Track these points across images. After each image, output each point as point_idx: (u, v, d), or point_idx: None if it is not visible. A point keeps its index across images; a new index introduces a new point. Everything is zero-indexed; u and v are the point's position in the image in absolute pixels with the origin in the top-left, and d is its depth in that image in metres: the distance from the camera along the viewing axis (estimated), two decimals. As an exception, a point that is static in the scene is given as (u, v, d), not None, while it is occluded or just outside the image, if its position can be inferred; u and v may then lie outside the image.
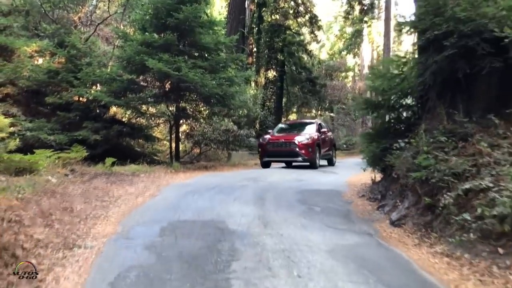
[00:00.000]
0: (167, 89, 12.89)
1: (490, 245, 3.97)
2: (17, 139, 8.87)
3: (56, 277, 3.34)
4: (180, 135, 13.84)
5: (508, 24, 4.98)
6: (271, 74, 25.39)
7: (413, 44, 7.01)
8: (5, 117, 10.05)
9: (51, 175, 7.35)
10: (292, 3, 24.56)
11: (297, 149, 12.66)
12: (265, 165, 13.60)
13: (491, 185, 4.32)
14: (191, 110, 14.07)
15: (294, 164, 14.00)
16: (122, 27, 20.12)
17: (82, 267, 3.58)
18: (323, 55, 39.54)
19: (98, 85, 14.70)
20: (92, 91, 12.96)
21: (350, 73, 40.27)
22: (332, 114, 31.89)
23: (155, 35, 12.40)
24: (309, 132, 13.69)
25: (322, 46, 39.81)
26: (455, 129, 5.39)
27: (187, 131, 16.19)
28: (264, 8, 23.95)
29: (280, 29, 23.72)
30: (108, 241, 4.31)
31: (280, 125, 16.13)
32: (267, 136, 13.86)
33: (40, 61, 16.85)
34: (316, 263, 3.77)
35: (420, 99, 6.64)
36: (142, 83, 13.60)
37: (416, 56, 6.54)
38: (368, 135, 7.40)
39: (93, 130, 12.13)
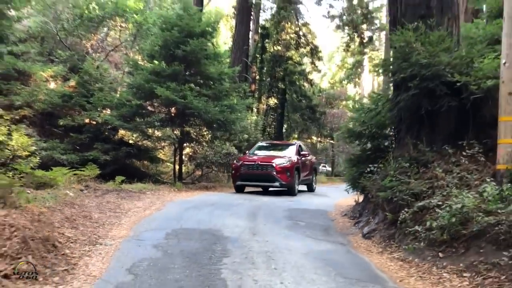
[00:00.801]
0: (173, 114, 14.00)
1: (434, 250, 4.93)
2: (38, 157, 9.95)
3: (85, 263, 4.31)
4: (183, 157, 14.87)
5: (460, 71, 6.05)
6: (272, 101, 26.60)
7: (389, 83, 8.06)
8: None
9: (69, 189, 8.36)
10: (294, 35, 25.94)
11: (275, 173, 11.72)
12: (238, 189, 12.53)
13: (440, 203, 5.29)
14: (195, 134, 15.14)
15: (270, 189, 13.07)
16: (131, 54, 21.45)
17: (104, 258, 4.55)
18: (325, 84, 40.88)
19: (108, 109, 15.84)
20: (104, 115, 14.06)
21: (351, 102, 41.51)
22: (332, 141, 32.92)
23: (164, 65, 13.56)
24: (288, 155, 12.84)
25: (324, 75, 41.21)
26: (418, 157, 6.40)
27: (190, 153, 17.22)
28: (267, 40, 25.35)
29: (282, 59, 25.03)
30: (123, 241, 5.28)
31: (258, 145, 14.82)
32: (241, 159, 12.89)
33: (53, 85, 18.10)
34: (291, 261, 4.72)
35: (395, 130, 7.68)
36: (149, 108, 14.72)
37: (390, 93, 7.60)
38: (350, 161, 8.44)
39: (103, 151, 13.17)
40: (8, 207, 5.52)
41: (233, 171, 12.70)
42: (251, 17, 26.76)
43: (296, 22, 26.02)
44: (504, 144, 5.28)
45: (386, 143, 8.19)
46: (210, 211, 7.83)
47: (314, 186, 14.96)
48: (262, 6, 27.96)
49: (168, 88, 12.31)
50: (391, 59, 6.81)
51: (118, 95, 15.87)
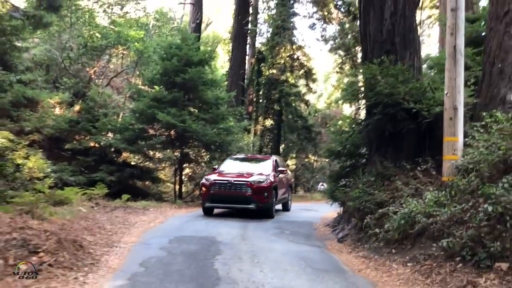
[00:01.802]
0: (173, 137, 15.25)
1: (389, 248, 6.12)
2: (52, 179, 11.16)
3: (106, 259, 5.49)
4: (183, 177, 16.07)
5: (415, 100, 7.33)
6: (269, 122, 27.90)
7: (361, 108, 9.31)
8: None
9: (81, 206, 9.56)
10: (288, 59, 27.40)
11: (250, 193, 10.32)
12: (207, 211, 10.87)
13: (396, 210, 6.48)
14: (194, 155, 16.37)
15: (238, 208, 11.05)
16: (133, 80, 22.87)
17: (120, 256, 5.73)
18: (321, 104, 42.29)
19: (112, 133, 17.12)
20: (109, 138, 15.33)
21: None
22: (327, 160, 34.12)
23: (165, 91, 14.89)
24: (265, 172, 11.29)
25: (320, 95, 42.66)
26: (384, 172, 7.63)
27: (190, 173, 18.42)
28: (262, 64, 26.80)
29: (277, 82, 26.41)
30: (134, 245, 6.47)
31: (229, 160, 13.01)
32: (211, 176, 11.16)
33: (57, 110, 19.43)
34: (271, 258, 5.91)
35: (367, 150, 8.92)
36: (151, 131, 15.99)
37: (361, 117, 8.88)
38: (330, 177, 9.68)
39: (108, 172, 14.37)
40: (36, 219, 6.73)
41: (202, 191, 10.94)
42: (247, 42, 28.32)
43: (290, 47, 27.48)
44: (447, 160, 6.50)
45: (362, 161, 9.40)
46: (206, 222, 9.03)
47: (290, 204, 13.68)
48: (258, 30, 29.61)
49: (169, 113, 13.60)
50: (357, 89, 8.09)
51: (120, 120, 17.18)
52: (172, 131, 15.11)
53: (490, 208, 4.71)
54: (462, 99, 6.68)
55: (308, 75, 28.39)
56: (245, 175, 11.02)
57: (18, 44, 19.10)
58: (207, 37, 39.02)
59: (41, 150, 16.08)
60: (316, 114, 34.48)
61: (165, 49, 15.94)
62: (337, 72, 29.65)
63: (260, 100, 27.78)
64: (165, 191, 19.58)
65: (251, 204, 10.31)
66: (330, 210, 12.85)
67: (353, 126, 8.94)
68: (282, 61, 26.76)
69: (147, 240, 6.91)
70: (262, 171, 11.41)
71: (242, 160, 13.55)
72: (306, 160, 35.57)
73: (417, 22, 12.05)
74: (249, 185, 10.43)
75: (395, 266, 5.57)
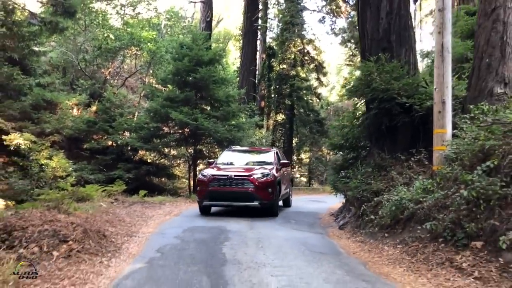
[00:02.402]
0: (186, 134, 16.00)
1: (383, 232, 6.73)
2: (73, 177, 12.01)
3: (126, 247, 6.23)
4: (197, 173, 16.81)
5: (408, 95, 7.89)
6: (280, 117, 28.51)
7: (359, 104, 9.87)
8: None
9: (102, 202, 10.36)
10: (299, 53, 27.90)
11: (253, 189, 9.50)
12: (204, 210, 10.06)
13: (390, 198, 7.08)
14: (207, 151, 17.10)
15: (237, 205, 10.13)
16: (146, 79, 23.72)
17: (139, 244, 6.47)
18: (333, 97, 42.67)
19: (128, 132, 17.96)
20: (126, 137, 16.16)
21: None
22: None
23: (177, 91, 15.63)
24: (267, 165, 10.57)
25: (333, 88, 43.03)
26: (381, 163, 8.23)
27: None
28: (273, 59, 27.37)
29: (288, 77, 26.98)
30: (151, 235, 7.21)
31: (227, 153, 12.13)
32: (209, 171, 10.34)
33: (75, 111, 20.36)
34: (274, 243, 6.58)
35: (368, 142, 9.50)
36: (165, 129, 16.77)
37: (360, 112, 9.47)
38: (333, 168, 10.28)
39: (126, 170, 15.21)
40: (62, 213, 7.51)
41: (199, 187, 10.15)
42: (258, 38, 28.91)
43: (300, 41, 27.96)
44: (437, 151, 7.06)
45: (364, 153, 9.99)
46: (217, 215, 9.72)
47: (291, 200, 12.85)
48: (268, 25, 30.16)
49: (182, 112, 14.34)
50: (355, 85, 8.68)
51: (136, 119, 18.01)
52: (186, 129, 15.85)
53: (465, 193, 5.29)
54: (450, 94, 7.22)
55: (319, 68, 28.86)
56: (246, 169, 10.25)
57: (36, 48, 20.06)
58: (218, 34, 39.71)
59: (61, 150, 17.07)
60: (328, 107, 34.93)
61: (176, 50, 16.66)
62: (347, 65, 30.03)
63: (272, 95, 28.36)
64: (180, 186, 20.40)
65: (255, 201, 9.48)
66: (337, 202, 13.47)
67: (353, 120, 9.53)
68: (292, 56, 27.26)
69: (162, 231, 7.64)
70: (263, 164, 10.71)
71: (241, 152, 12.63)
72: (320, 153, 36.04)
73: (420, 17, 12.52)
74: (251, 180, 9.55)
75: (386, 248, 6.19)
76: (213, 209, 10.58)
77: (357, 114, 9.49)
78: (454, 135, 7.07)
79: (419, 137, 8.15)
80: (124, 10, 27.17)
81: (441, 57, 7.22)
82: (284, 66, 27.28)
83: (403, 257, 5.66)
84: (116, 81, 24.79)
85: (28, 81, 19.43)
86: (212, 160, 12.34)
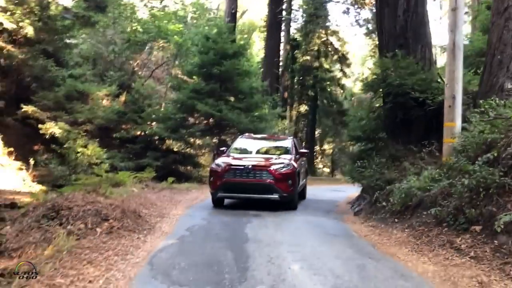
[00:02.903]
0: (211, 125, 16.75)
1: (393, 218, 7.32)
2: (107, 164, 12.91)
3: (159, 226, 6.99)
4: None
5: (421, 89, 8.39)
6: (303, 108, 29.05)
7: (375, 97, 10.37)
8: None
9: (133, 187, 11.20)
10: (322, 45, 28.29)
11: (272, 180, 8.93)
12: (218, 202, 9.55)
13: (402, 186, 7.63)
14: (230, 141, 17.80)
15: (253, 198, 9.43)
16: (173, 71, 24.58)
17: (170, 224, 7.23)
18: (357, 88, 42.79)
19: (156, 122, 18.84)
20: (153, 127, 17.03)
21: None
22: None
23: (203, 83, 16.37)
24: (285, 155, 10.11)
25: (357, 79, 43.13)
26: (395, 154, 8.77)
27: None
28: (296, 51, 27.86)
29: (311, 68, 27.44)
30: (180, 216, 7.98)
31: (240, 140, 11.54)
32: (223, 160, 9.76)
33: (105, 101, 21.37)
34: (292, 226, 7.26)
35: (385, 134, 10.03)
36: (191, 119, 17.56)
37: (376, 105, 9.99)
38: (351, 158, 10.84)
39: (154, 158, 16.07)
40: (100, 196, 8.34)
41: (212, 178, 9.48)
42: (281, 30, 29.38)
43: (325, 32, 28.32)
44: (446, 143, 7.57)
45: (381, 144, 10.51)
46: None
47: (305, 191, 12.05)
48: (293, 16, 30.57)
49: (207, 103, 15.08)
50: (371, 80, 9.20)
51: (163, 110, 18.86)
52: (210, 119, 16.61)
53: (466, 182, 5.83)
54: (461, 89, 7.69)
55: (342, 60, 29.18)
56: (263, 159, 9.82)
57: (68, 41, 21.10)
58: (243, 25, 40.28)
59: (94, 139, 18.07)
60: (352, 98, 35.20)
61: (202, 43, 17.37)
62: (371, 56, 30.23)
63: (295, 86, 28.89)
64: (205, 175, 21.18)
65: (274, 194, 8.92)
66: (356, 191, 13.99)
67: (369, 113, 10.06)
68: (316, 48, 27.67)
69: (190, 213, 8.41)
70: (281, 153, 10.34)
71: (255, 140, 11.90)
72: (343, 144, 36.34)
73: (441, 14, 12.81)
74: (271, 171, 9.00)
75: (395, 232, 6.78)
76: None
77: (374, 107, 10.00)
78: (463, 128, 7.56)
79: (432, 130, 8.64)
80: (152, 3, 28.06)
81: (452, 54, 7.69)
82: (308, 57, 27.74)
83: (409, 239, 6.24)
84: (144, 72, 25.73)
85: (61, 73, 20.53)
86: (223, 148, 11.17)
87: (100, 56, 24.30)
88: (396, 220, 7.20)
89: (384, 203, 7.64)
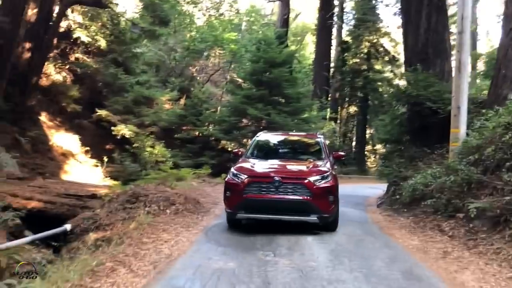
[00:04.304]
0: (261, 127, 18.78)
1: (403, 208, 8.99)
2: (170, 162, 15.33)
3: (212, 210, 9.11)
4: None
5: (434, 100, 9.93)
6: (352, 109, 30.41)
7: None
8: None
9: (193, 182, 13.48)
10: (372, 47, 29.48)
11: (310, 197, 6.96)
12: (235, 224, 7.59)
13: (410, 182, 9.25)
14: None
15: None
16: (228, 76, 26.96)
17: (220, 209, 9.29)
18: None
19: (212, 124, 21.22)
20: (210, 129, 19.37)
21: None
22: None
23: (253, 89, 18.46)
24: (318, 161, 8.06)
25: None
26: (412, 155, 10.36)
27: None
28: (346, 53, 29.32)
29: (360, 70, 28.77)
30: (230, 205, 10.07)
31: (260, 139, 9.44)
32: (243, 168, 7.69)
33: (167, 105, 24.05)
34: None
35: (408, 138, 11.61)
36: (244, 121, 19.70)
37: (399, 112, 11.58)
38: (381, 159, 12.44)
39: (210, 157, 18.39)
40: (167, 187, 10.62)
41: (229, 193, 7.49)
42: (332, 33, 30.94)
43: (374, 35, 29.52)
44: (452, 146, 9.10)
45: (403, 147, 12.05)
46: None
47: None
48: (345, 18, 32.03)
49: (256, 108, 17.13)
50: (394, 91, 10.81)
51: (218, 113, 21.20)
52: (260, 122, 18.65)
53: (453, 178, 7.44)
54: (466, 101, 9.17)
55: (392, 61, 30.22)
56: (293, 166, 7.89)
57: (135, 51, 24.02)
58: (296, 27, 42.12)
59: (158, 139, 20.71)
60: (404, 99, 36.01)
61: (253, 52, 19.46)
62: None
63: (345, 88, 30.31)
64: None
65: (311, 216, 6.98)
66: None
67: (393, 120, 11.65)
68: (365, 50, 28.95)
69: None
70: (311, 157, 8.40)
71: (278, 139, 9.96)
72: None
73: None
74: (306, 184, 6.99)
75: (401, 219, 8.49)
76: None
77: (397, 114, 11.58)
78: (468, 134, 9.06)
79: (444, 135, 10.11)
80: (209, 11, 30.60)
81: (458, 71, 9.20)
82: (357, 60, 29.09)
83: (410, 224, 7.95)
84: (201, 77, 28.32)
85: (129, 80, 23.50)
86: (237, 150, 9.87)
87: (163, 63, 27.14)
88: (405, 210, 8.89)
89: (397, 196, 9.31)
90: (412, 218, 8.25)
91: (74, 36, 21.69)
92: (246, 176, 7.26)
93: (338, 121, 29.36)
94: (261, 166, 7.82)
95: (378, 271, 5.13)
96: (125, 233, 7.40)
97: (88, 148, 21.04)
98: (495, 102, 9.49)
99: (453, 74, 9.32)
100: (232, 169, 7.72)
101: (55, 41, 20.38)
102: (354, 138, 29.64)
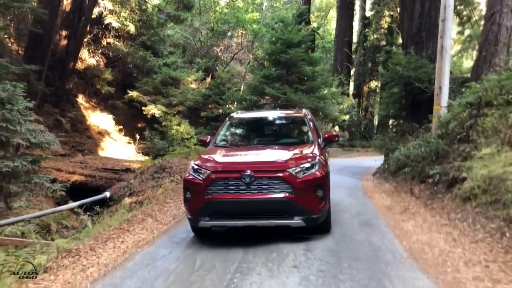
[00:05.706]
0: (280, 105, 20.38)
1: (389, 176, 10.54)
2: (195, 139, 17.24)
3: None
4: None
5: (422, 80, 11.32)
6: (374, 84, 31.41)
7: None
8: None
9: (214, 156, 15.35)
10: (394, 23, 30.21)
11: (291, 194, 5.37)
12: (200, 233, 6.14)
13: (398, 154, 10.76)
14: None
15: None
16: (250, 55, 28.50)
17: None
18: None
19: (234, 103, 22.98)
20: (232, 108, 21.13)
21: None
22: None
23: (272, 69, 20.00)
24: (304, 144, 6.63)
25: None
26: (404, 129, 11.82)
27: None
28: (366, 29, 30.21)
29: (380, 46, 29.69)
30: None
31: (230, 123, 7.68)
32: (207, 160, 5.96)
33: (193, 85, 25.92)
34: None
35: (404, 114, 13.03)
36: (263, 100, 21.35)
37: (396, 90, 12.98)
38: (375, 133, 13.91)
39: (232, 133, 20.18)
40: (189, 161, 12.50)
41: (189, 193, 5.86)
42: (353, 10, 31.84)
43: (394, 10, 30.24)
44: (433, 122, 10.52)
45: (396, 122, 13.48)
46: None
47: None
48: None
49: (274, 87, 18.71)
50: (389, 71, 12.23)
51: (241, 92, 22.90)
52: (278, 100, 20.24)
53: (423, 149, 8.95)
54: (447, 81, 10.47)
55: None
56: (271, 154, 6.13)
57: (163, 34, 25.89)
58: (320, 3, 42.91)
59: (184, 118, 22.67)
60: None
61: (272, 34, 20.93)
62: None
63: (365, 64, 31.31)
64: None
65: (295, 218, 5.50)
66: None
67: (389, 97, 13.06)
68: (386, 26, 29.78)
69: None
70: (295, 139, 7.31)
71: (254, 122, 8.09)
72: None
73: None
74: (286, 177, 5.41)
75: (386, 185, 10.07)
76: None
77: (392, 92, 12.98)
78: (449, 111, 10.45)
79: (431, 112, 11.54)
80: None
81: (440, 55, 10.51)
82: (378, 35, 30.00)
83: (389, 189, 9.54)
84: (226, 56, 29.98)
85: (157, 62, 25.48)
86: (206, 137, 7.61)
87: (189, 44, 28.90)
88: (391, 177, 10.44)
89: (386, 166, 10.87)
90: (394, 184, 9.82)
91: (106, 22, 23.71)
92: (209, 171, 5.58)
93: (361, 97, 30.47)
94: (230, 156, 6.29)
95: (343, 221, 6.83)
96: (153, 197, 9.39)
97: (121, 127, 23.34)
98: (476, 81, 10.82)
99: (437, 56, 10.62)
100: (192, 163, 6.03)
101: (88, 27, 22.45)
102: (375, 112, 30.73)
